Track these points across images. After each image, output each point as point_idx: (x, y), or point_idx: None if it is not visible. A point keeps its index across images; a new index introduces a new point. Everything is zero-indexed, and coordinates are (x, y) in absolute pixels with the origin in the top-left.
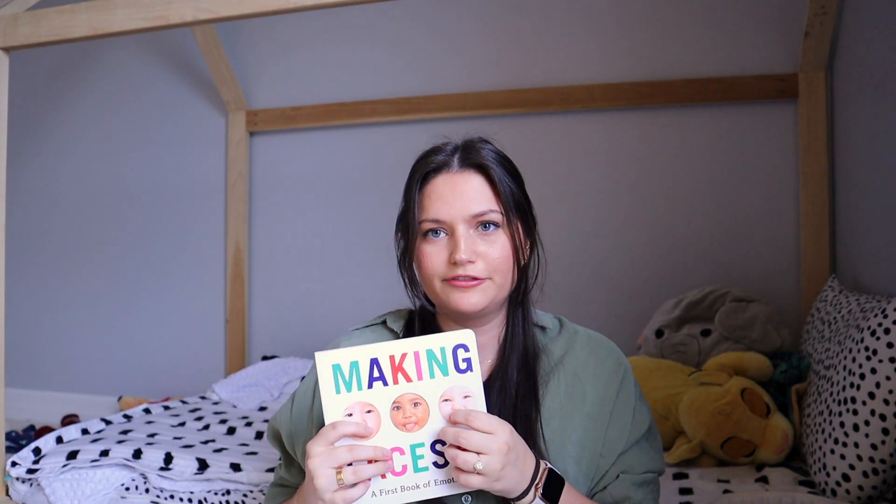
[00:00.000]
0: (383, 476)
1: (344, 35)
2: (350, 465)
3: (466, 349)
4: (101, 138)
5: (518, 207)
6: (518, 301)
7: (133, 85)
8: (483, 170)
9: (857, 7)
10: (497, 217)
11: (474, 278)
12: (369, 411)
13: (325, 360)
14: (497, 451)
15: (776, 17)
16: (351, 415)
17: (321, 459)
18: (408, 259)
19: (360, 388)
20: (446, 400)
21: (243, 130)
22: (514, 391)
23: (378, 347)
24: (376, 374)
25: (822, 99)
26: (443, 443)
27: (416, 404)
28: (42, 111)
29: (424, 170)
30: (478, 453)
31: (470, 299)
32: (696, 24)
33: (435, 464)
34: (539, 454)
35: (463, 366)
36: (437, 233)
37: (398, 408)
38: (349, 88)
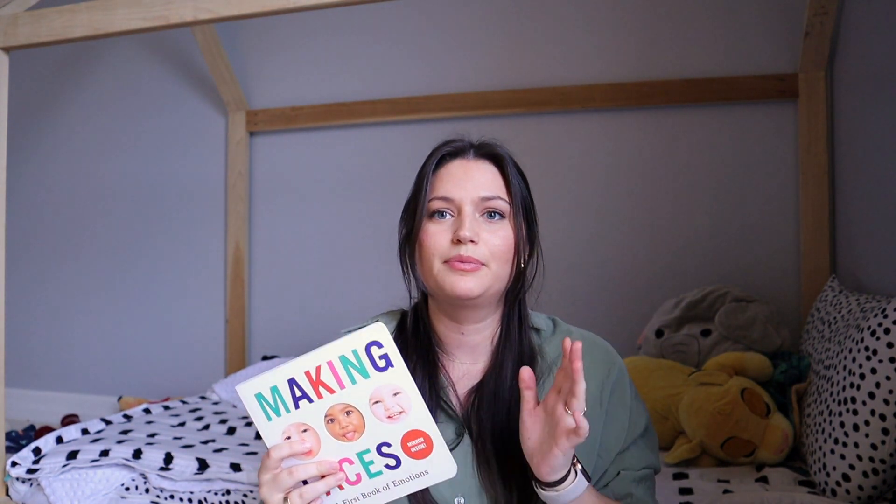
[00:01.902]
0: (340, 487)
1: (343, 35)
2: (304, 482)
3: (380, 345)
4: (100, 138)
5: (524, 207)
6: (514, 302)
7: (133, 85)
8: (498, 161)
9: (857, 7)
10: (504, 206)
11: (474, 261)
12: (305, 430)
13: (246, 392)
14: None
15: (776, 17)
16: (290, 437)
17: (268, 488)
18: (409, 245)
19: (287, 410)
20: (376, 402)
21: (243, 130)
22: (509, 395)
23: (292, 366)
24: (298, 393)
25: (822, 99)
26: (388, 444)
27: (348, 413)
28: (42, 111)
29: (441, 153)
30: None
31: (466, 283)
32: (696, 24)
33: (387, 466)
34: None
35: (381, 363)
36: (443, 214)
37: (332, 420)
38: (349, 88)
